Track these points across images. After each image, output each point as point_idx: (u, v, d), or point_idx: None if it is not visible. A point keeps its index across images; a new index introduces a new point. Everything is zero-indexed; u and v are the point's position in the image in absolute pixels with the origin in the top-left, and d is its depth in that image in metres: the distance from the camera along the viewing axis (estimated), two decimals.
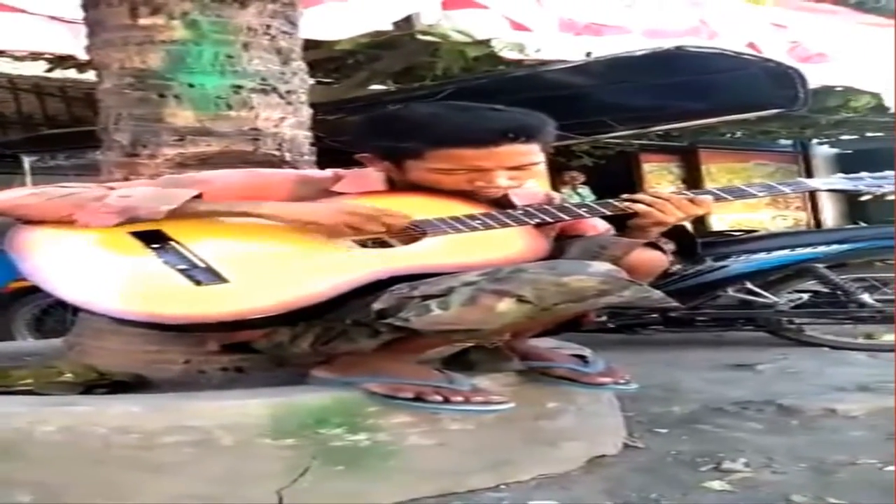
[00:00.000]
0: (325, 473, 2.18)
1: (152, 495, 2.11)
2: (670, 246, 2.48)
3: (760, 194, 2.58)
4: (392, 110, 2.74)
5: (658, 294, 2.23)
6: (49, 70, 6.10)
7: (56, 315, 5.06)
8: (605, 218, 2.48)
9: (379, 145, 2.48)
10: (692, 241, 2.54)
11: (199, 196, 2.34)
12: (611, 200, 2.44)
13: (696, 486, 2.35)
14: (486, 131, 2.38)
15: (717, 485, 2.36)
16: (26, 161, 6.44)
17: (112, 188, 2.41)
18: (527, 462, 2.42)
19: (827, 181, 2.67)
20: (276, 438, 2.18)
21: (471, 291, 2.09)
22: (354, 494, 2.20)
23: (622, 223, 2.47)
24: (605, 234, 2.51)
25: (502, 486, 2.34)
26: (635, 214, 2.41)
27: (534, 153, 2.43)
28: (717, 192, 2.53)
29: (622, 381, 2.54)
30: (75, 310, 2.78)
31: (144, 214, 2.27)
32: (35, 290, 2.23)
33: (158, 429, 2.13)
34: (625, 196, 2.44)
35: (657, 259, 2.41)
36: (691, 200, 2.42)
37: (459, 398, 2.22)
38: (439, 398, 2.21)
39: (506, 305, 2.07)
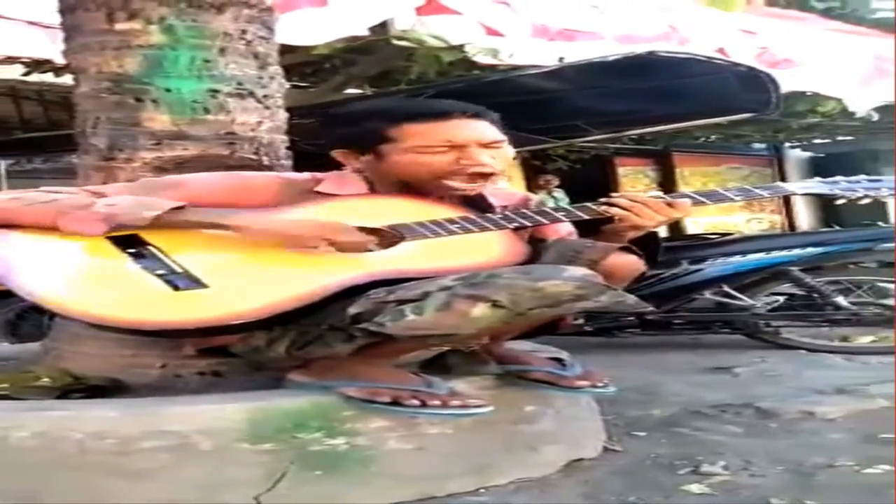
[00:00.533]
0: (304, 478, 2.17)
1: (129, 501, 2.09)
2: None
3: (737, 198, 2.60)
4: (346, 106, 2.82)
5: (633, 299, 2.23)
6: (26, 74, 6.06)
7: (32, 319, 5.01)
8: (581, 221, 2.47)
9: (350, 135, 2.50)
10: (656, 246, 2.53)
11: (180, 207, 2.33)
12: (588, 204, 2.43)
13: (674, 490, 2.36)
14: (437, 106, 2.48)
15: (695, 488, 2.36)
16: (2, 164, 6.40)
17: (94, 192, 2.38)
18: (506, 466, 2.41)
19: (803, 185, 2.68)
20: (253, 443, 2.17)
21: (446, 296, 2.09)
22: (333, 499, 2.19)
23: (595, 226, 2.47)
24: (576, 238, 2.51)
25: (482, 490, 2.33)
26: (611, 218, 2.41)
27: (494, 132, 2.48)
28: (695, 195, 2.52)
29: (600, 385, 2.55)
30: (52, 314, 2.75)
31: (128, 221, 2.25)
32: (10, 294, 2.21)
33: (135, 434, 2.12)
34: (602, 199, 2.43)
35: (633, 263, 2.39)
36: (669, 204, 2.42)
37: (436, 402, 2.22)
38: (416, 402, 2.21)
39: (480, 310, 2.07)
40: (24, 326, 5.20)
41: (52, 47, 4.33)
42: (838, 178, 2.59)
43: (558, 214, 2.45)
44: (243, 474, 2.14)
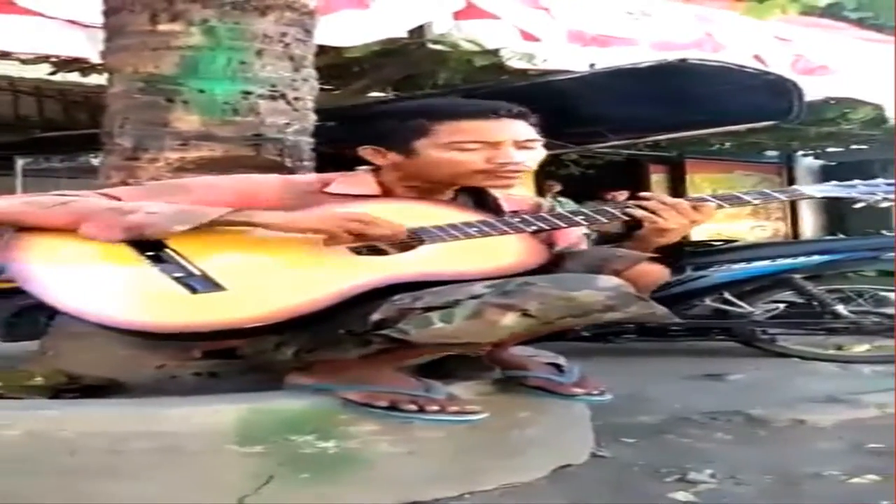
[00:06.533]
0: (290, 481, 2.19)
1: (117, 501, 2.11)
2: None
3: (756, 201, 2.57)
4: (380, 105, 2.82)
5: (662, 310, 2.19)
6: (52, 73, 6.10)
7: (29, 318, 5.00)
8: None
9: (392, 131, 2.47)
10: (678, 253, 2.50)
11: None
12: (608, 207, 2.42)
13: (660, 497, 2.37)
14: (482, 104, 2.45)
15: (681, 496, 2.37)
16: (19, 162, 6.43)
17: (109, 195, 2.39)
18: (493, 471, 2.43)
19: (821, 188, 2.64)
20: (243, 445, 2.18)
21: (476, 305, 2.06)
22: (317, 502, 2.21)
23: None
24: (604, 247, 2.52)
25: (466, 496, 2.34)
26: (635, 224, 2.39)
27: (531, 132, 2.48)
28: (714, 199, 2.45)
29: (596, 392, 2.55)
30: (50, 314, 2.77)
31: (151, 234, 2.23)
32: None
33: (126, 434, 2.13)
34: (624, 202, 2.42)
35: (657, 272, 2.37)
36: (694, 207, 2.37)
37: (434, 407, 2.22)
38: (414, 407, 2.21)
39: (510, 319, 2.05)
40: (21, 326, 5.21)
41: (89, 47, 4.37)
42: (856, 181, 2.57)
43: (577, 218, 2.42)
44: (230, 476, 2.16)
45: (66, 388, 2.52)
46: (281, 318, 2.13)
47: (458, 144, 2.40)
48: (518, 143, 2.44)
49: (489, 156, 2.41)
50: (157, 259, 2.22)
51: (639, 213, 2.36)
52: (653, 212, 2.34)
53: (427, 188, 2.50)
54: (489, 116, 2.43)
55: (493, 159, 2.41)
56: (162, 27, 2.80)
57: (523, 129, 2.47)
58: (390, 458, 2.29)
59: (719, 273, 5.19)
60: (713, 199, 2.44)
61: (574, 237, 2.61)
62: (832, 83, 7.07)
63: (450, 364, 2.59)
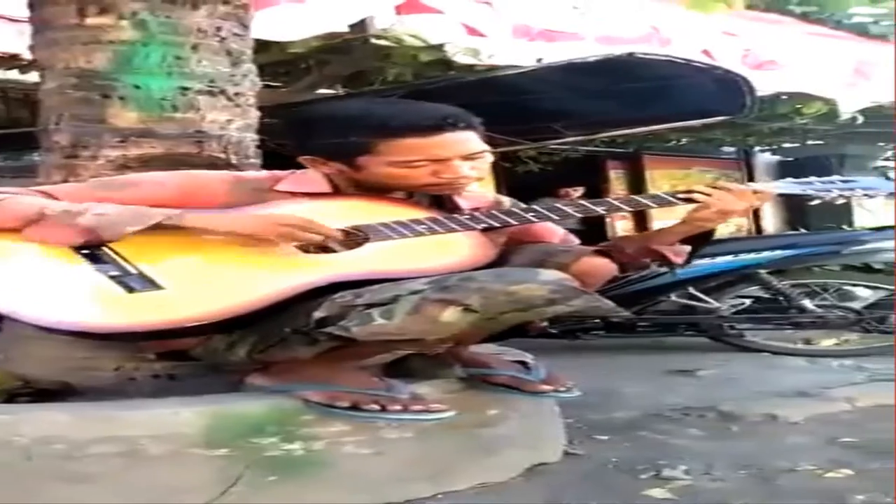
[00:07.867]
0: (257, 484, 2.14)
1: None
2: (686, 247, 2.52)
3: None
4: (320, 108, 2.71)
5: (608, 304, 2.18)
6: None
7: None
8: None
9: (324, 145, 2.39)
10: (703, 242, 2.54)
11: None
12: (559, 205, 2.39)
13: (636, 495, 2.35)
14: (429, 118, 2.34)
15: (657, 493, 2.36)
16: None
17: (45, 192, 2.33)
18: (466, 470, 2.39)
19: (776, 185, 2.64)
20: (207, 448, 2.13)
21: (416, 300, 2.04)
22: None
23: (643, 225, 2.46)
24: (554, 242, 2.50)
25: (440, 496, 2.31)
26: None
27: (478, 141, 2.40)
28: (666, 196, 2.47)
29: (563, 389, 2.53)
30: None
31: (108, 236, 2.18)
32: None
33: (84, 439, 2.08)
34: (681, 188, 2.43)
35: (605, 266, 2.35)
36: (754, 192, 2.44)
37: (397, 406, 2.20)
38: (376, 407, 2.18)
39: (451, 315, 2.03)
40: None
41: (19, 42, 4.26)
42: (812, 178, 2.58)
43: (528, 216, 2.39)
44: (195, 480, 2.11)
45: (21, 392, 2.45)
46: (220, 317, 2.09)
47: (403, 163, 2.33)
48: (466, 156, 2.37)
49: (437, 170, 2.35)
50: (93, 258, 2.17)
51: (698, 196, 2.38)
52: (708, 196, 2.39)
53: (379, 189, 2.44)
54: (432, 133, 2.33)
55: (441, 174, 2.35)
56: (91, 20, 2.72)
57: (471, 143, 2.39)
58: (358, 459, 2.25)
59: (683, 268, 5.17)
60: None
61: (561, 234, 2.60)
62: (782, 78, 7.11)
63: (413, 363, 2.58)
